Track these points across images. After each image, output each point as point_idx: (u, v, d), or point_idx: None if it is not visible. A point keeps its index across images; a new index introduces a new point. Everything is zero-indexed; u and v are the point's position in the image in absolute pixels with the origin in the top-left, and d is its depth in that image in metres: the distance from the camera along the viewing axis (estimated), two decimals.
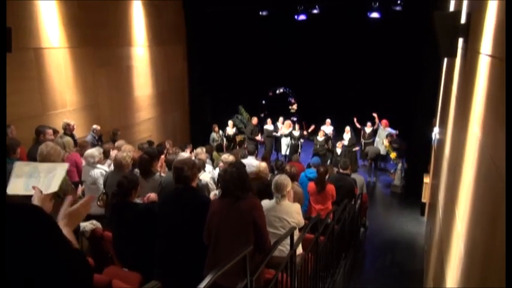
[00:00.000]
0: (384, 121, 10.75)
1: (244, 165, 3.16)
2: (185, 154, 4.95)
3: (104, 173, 4.99)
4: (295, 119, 12.57)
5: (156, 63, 10.40)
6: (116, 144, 6.51)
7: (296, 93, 14.96)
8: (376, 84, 13.43)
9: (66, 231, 1.42)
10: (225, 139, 11.16)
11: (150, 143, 7.69)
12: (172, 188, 3.38)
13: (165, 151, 6.81)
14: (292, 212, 3.72)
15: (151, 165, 4.75)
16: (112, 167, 5.02)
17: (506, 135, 1.10)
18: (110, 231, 3.76)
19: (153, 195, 3.88)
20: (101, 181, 4.87)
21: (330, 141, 10.98)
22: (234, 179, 2.95)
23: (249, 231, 2.86)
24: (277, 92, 15.17)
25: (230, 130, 11.48)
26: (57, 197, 3.48)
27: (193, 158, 5.40)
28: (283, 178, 3.78)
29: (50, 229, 0.98)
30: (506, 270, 0.95)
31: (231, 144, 11.12)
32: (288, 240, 3.31)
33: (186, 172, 3.16)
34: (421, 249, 6.82)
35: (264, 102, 15.02)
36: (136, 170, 4.98)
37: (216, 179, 5.86)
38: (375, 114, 10.83)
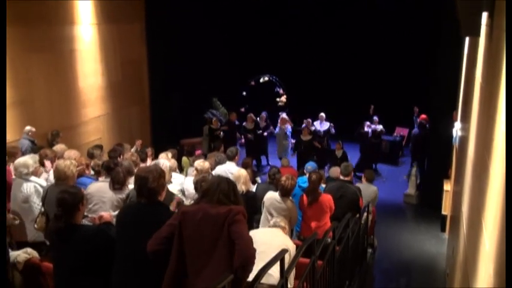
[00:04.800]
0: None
1: (235, 184, 3.19)
2: (124, 162, 4.94)
3: (40, 188, 4.90)
4: (284, 114, 12.55)
5: (106, 46, 10.27)
6: (54, 149, 6.37)
7: (285, 82, 14.99)
8: (383, 70, 13.56)
9: None
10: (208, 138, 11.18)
11: (100, 147, 7.56)
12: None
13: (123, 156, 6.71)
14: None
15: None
16: (52, 180, 4.93)
17: None
18: (49, 261, 3.69)
19: (106, 215, 3.83)
20: (35, 198, 4.80)
21: (326, 140, 11.03)
22: (221, 183, 2.98)
23: (226, 244, 2.76)
24: (261, 80, 15.16)
25: (215, 127, 11.52)
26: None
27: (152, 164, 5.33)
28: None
29: None
30: None
31: (218, 143, 11.07)
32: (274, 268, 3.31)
33: (151, 184, 3.15)
34: (442, 273, 6.93)
35: (244, 93, 15.00)
36: None
37: (184, 191, 5.82)
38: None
